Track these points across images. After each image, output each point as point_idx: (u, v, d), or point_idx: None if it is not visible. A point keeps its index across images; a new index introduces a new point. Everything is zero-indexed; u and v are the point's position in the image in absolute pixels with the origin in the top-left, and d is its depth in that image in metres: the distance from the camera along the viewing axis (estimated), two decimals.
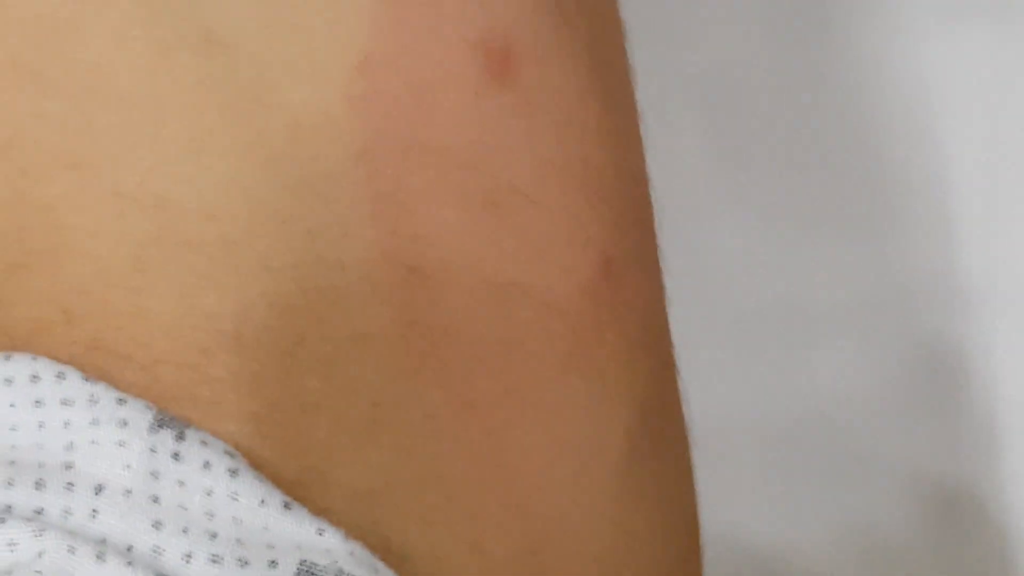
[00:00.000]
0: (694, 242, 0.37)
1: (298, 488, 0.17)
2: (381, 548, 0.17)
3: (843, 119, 0.38)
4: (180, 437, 0.17)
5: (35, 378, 0.17)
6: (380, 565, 0.17)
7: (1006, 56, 0.37)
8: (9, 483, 0.16)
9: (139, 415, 0.17)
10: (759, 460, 0.37)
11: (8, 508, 0.16)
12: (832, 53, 0.38)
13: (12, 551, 0.16)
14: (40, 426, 0.17)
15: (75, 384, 0.17)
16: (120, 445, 0.17)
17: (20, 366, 0.17)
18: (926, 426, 0.37)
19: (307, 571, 0.16)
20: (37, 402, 0.17)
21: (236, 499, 0.17)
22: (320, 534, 0.17)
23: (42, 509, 0.16)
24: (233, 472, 0.17)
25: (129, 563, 0.16)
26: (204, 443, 0.17)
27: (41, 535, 0.16)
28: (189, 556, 0.16)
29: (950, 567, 0.37)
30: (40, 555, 0.16)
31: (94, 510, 0.16)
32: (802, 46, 0.38)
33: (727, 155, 0.38)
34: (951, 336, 0.37)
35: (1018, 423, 0.37)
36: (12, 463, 0.16)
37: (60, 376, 0.17)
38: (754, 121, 0.38)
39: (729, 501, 0.37)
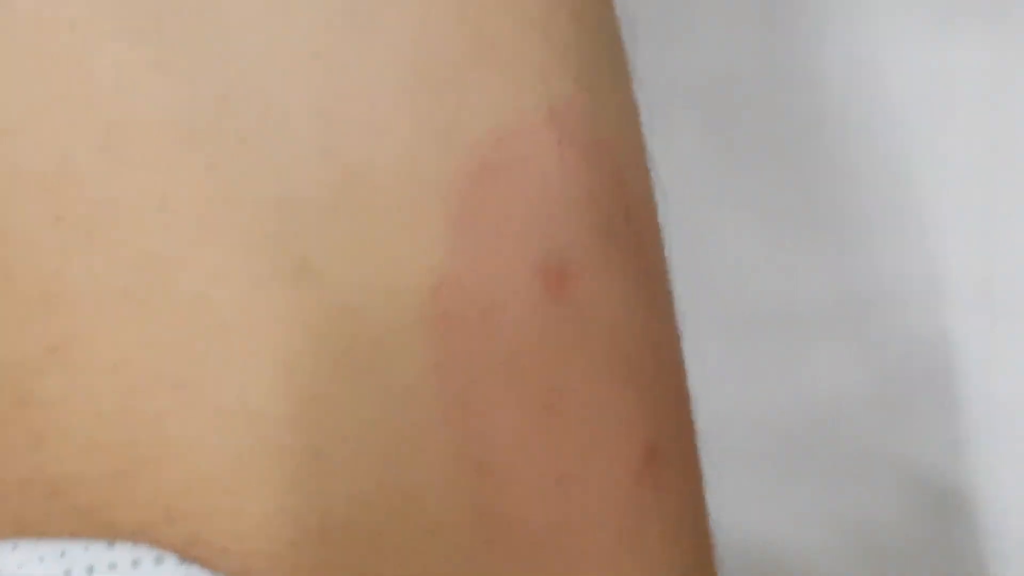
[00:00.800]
0: (694, 242, 0.37)
1: None
2: None
3: (843, 119, 0.38)
4: None
5: (136, 563, 0.19)
6: None
7: (1005, 57, 0.37)
8: None
9: None
10: (758, 459, 0.37)
11: None
12: (832, 53, 0.38)
13: None
14: None
15: (171, 567, 0.19)
16: None
17: (122, 552, 0.19)
18: (925, 426, 0.37)
19: None
20: None
21: None
22: None
23: None
24: None
25: None
26: None
27: None
28: None
29: (949, 566, 0.37)
30: None
31: None
32: (802, 47, 0.38)
33: (727, 155, 0.38)
34: (950, 336, 0.37)
35: (1018, 423, 0.37)
36: None
37: (158, 560, 0.19)
38: (754, 121, 0.38)
39: (729, 500, 0.38)
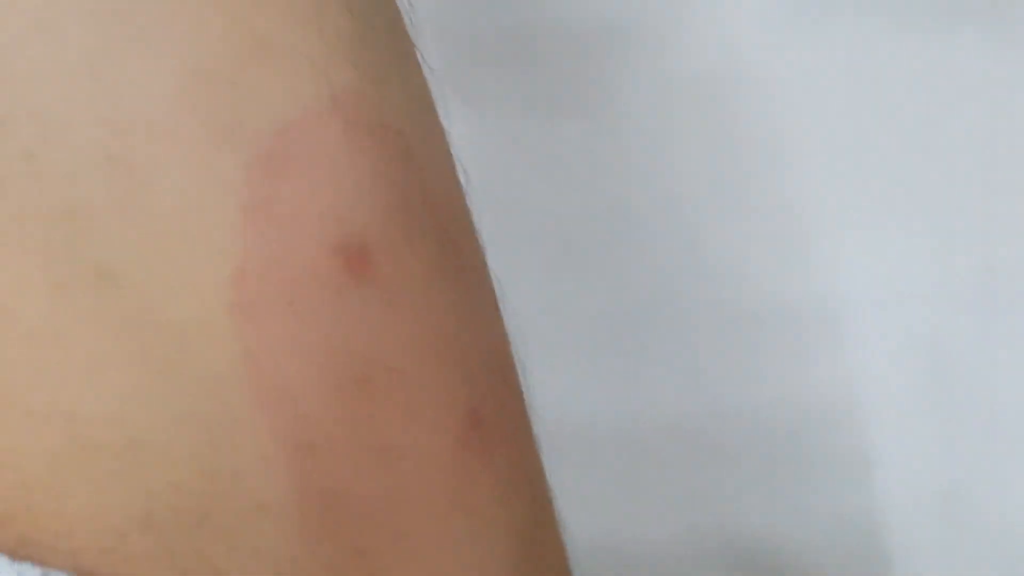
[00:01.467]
0: (692, 241, 0.37)
1: None
2: None
3: (843, 119, 0.38)
4: None
5: None
6: None
7: (1005, 57, 0.37)
8: None
9: None
10: (758, 459, 0.37)
11: None
12: (832, 54, 0.38)
13: None
14: None
15: (3, 566, 0.20)
16: None
17: None
18: (925, 426, 0.37)
19: None
20: None
21: None
22: None
23: None
24: None
25: None
26: None
27: None
28: None
29: (949, 566, 0.37)
30: None
31: None
32: (801, 47, 0.38)
33: (727, 155, 0.38)
34: (950, 336, 0.37)
35: (1017, 423, 0.37)
36: None
37: None
38: (753, 121, 0.38)
39: (728, 500, 0.38)
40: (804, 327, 0.37)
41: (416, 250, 0.23)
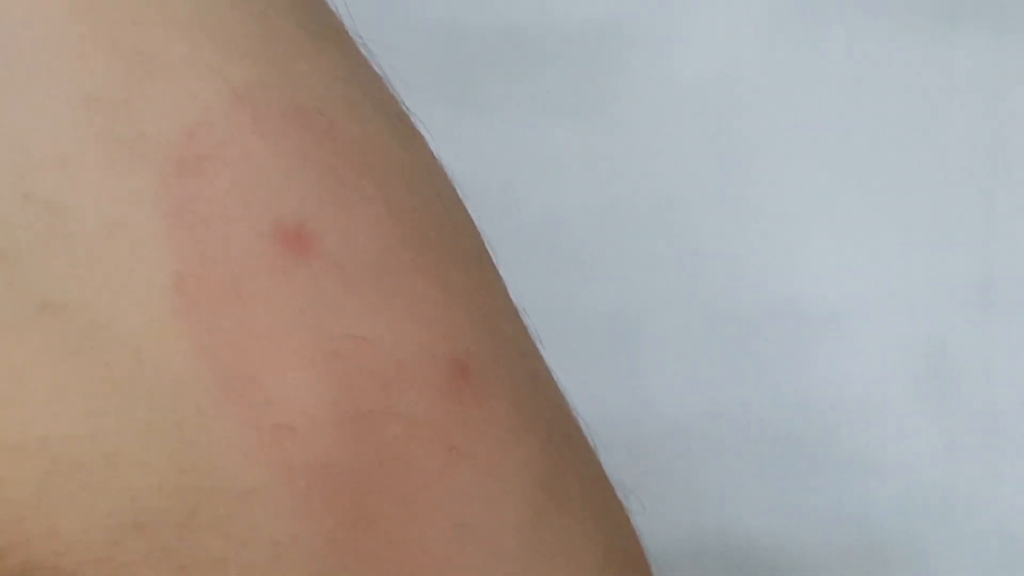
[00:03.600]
0: (695, 241, 0.37)
1: None
2: None
3: (842, 119, 0.38)
4: None
5: None
6: None
7: (1005, 57, 0.37)
8: None
9: None
10: (758, 459, 0.37)
11: None
12: (831, 55, 0.38)
13: None
14: None
15: None
16: None
17: None
18: (924, 426, 0.37)
19: None
20: None
21: None
22: None
23: None
24: None
25: None
26: None
27: None
28: None
29: (948, 566, 0.37)
30: None
31: None
32: (801, 47, 0.38)
33: (727, 155, 0.38)
34: (949, 337, 0.37)
35: (1017, 423, 0.37)
36: None
37: None
38: (752, 122, 0.38)
39: (729, 500, 0.38)
40: (804, 328, 0.37)
41: (359, 219, 0.23)
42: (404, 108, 0.25)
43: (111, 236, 0.21)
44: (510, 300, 0.25)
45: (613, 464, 0.37)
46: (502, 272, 0.26)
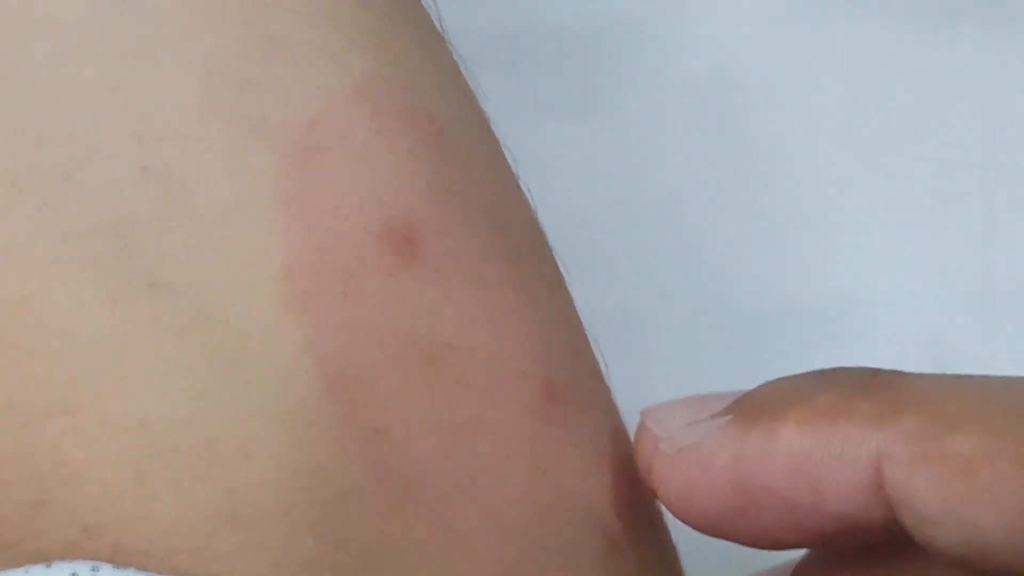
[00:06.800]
0: (697, 241, 0.38)
1: None
2: None
3: (843, 117, 0.38)
4: None
5: None
6: None
7: (1005, 57, 0.37)
8: None
9: None
10: None
11: None
12: (832, 54, 0.38)
13: None
14: None
15: (108, 573, 0.20)
16: None
17: (60, 570, 0.20)
18: None
19: None
20: None
21: None
22: None
23: None
24: None
25: None
26: None
27: None
28: None
29: None
30: None
31: None
32: (802, 47, 0.38)
33: (728, 155, 0.38)
34: (949, 336, 0.37)
35: None
36: None
37: (95, 569, 0.20)
38: (753, 121, 0.38)
39: None
40: (805, 327, 0.37)
41: (463, 227, 0.23)
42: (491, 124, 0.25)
43: (226, 217, 0.21)
44: (582, 324, 0.25)
45: None
46: None
